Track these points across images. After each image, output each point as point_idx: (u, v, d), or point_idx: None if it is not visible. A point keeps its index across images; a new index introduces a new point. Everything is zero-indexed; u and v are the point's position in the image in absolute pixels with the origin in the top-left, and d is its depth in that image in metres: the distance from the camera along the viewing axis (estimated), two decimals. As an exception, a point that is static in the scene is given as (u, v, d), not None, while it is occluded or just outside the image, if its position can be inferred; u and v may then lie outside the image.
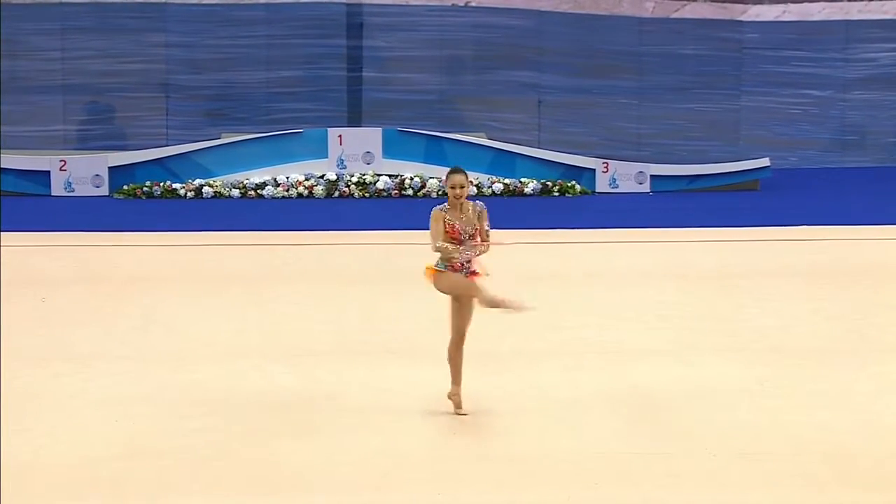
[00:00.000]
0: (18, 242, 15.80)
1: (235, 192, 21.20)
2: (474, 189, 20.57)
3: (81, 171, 21.30)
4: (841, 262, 15.28)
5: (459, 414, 8.84)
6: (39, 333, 11.22)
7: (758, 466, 7.87)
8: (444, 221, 8.68)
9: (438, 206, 8.76)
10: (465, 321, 8.84)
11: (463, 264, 8.71)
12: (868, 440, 8.37)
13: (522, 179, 21.55)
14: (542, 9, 25.12)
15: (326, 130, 21.92)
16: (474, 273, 8.76)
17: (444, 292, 8.81)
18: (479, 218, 8.74)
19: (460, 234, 8.67)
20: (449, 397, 8.91)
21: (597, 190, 21.82)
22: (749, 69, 25.43)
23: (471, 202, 8.77)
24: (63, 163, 21.32)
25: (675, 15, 25.65)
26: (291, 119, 23.92)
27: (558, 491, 7.50)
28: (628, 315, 12.19)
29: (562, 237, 17.12)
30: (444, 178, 8.99)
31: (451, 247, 8.66)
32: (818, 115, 25.63)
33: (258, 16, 24.51)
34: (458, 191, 8.68)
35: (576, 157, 22.05)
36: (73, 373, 9.98)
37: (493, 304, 8.66)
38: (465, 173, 8.82)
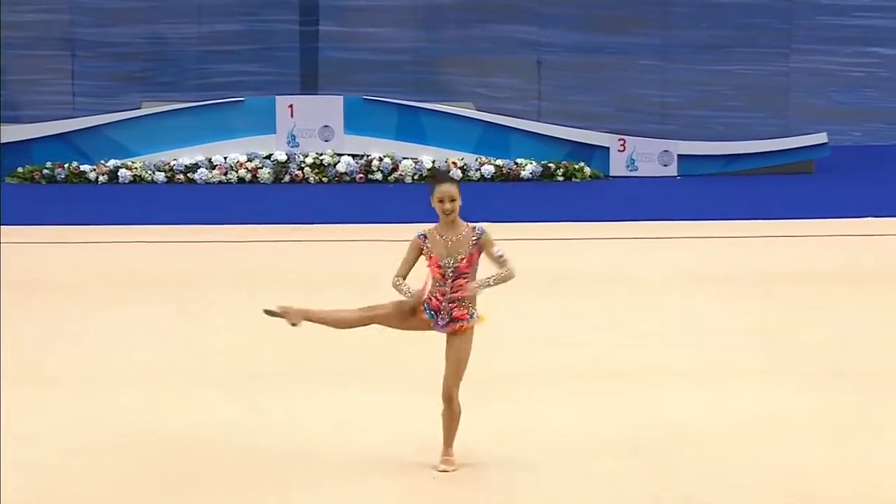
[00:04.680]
0: None
1: (160, 176, 21.19)
2: (458, 173, 20.60)
3: (-34, 150, 21.29)
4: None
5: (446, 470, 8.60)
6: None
7: (810, 518, 7.92)
8: (423, 250, 8.36)
9: (420, 233, 8.41)
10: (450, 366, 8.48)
11: (440, 302, 8.36)
12: (947, 485, 8.43)
13: (518, 161, 21.57)
14: (543, -53, 25.18)
15: (274, 98, 21.90)
16: (459, 318, 8.35)
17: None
18: (475, 248, 8.31)
19: (440, 265, 8.34)
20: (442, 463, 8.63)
21: (611, 173, 21.87)
22: (801, 22, 25.48)
23: (468, 224, 8.39)
24: (-59, 139, 21.32)
25: (708, -46, 25.70)
26: (230, 84, 23.90)
27: (562, 549, 7.54)
28: (648, 328, 12.23)
29: (567, 232, 17.14)
30: (430, 185, 8.52)
31: (407, 287, 8.38)
32: (887, 78, 25.71)
33: (187, -46, 24.55)
34: (447, 205, 8.30)
35: (585, 133, 22.08)
36: (-44, 402, 9.96)
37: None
38: (457, 182, 8.47)
